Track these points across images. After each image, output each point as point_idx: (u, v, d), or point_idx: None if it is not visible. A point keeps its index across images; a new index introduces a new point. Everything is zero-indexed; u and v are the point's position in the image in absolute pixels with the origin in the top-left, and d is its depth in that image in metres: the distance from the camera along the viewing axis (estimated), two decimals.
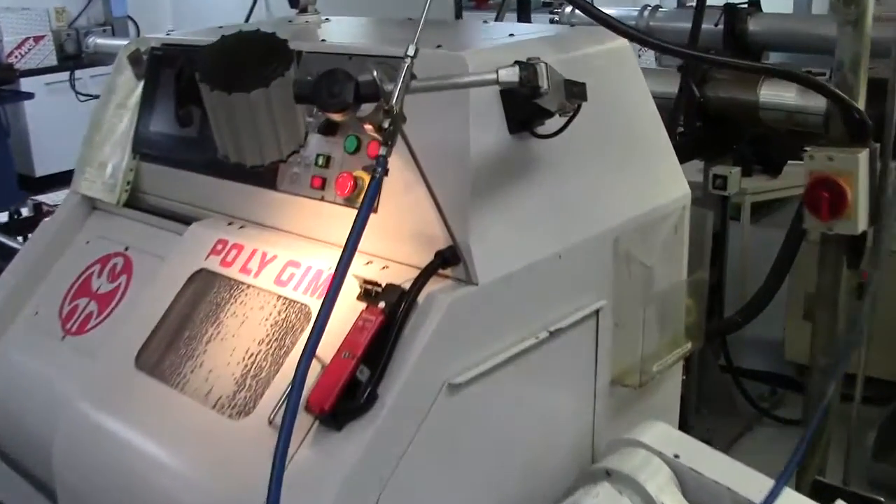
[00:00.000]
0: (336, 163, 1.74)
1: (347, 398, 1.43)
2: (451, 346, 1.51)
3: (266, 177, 1.83)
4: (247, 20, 3.16)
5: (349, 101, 1.28)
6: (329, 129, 1.71)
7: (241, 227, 1.92)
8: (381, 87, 1.28)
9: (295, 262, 1.73)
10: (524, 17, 4.57)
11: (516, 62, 1.42)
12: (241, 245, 1.83)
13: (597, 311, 1.79)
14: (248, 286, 1.77)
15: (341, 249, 1.70)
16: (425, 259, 1.58)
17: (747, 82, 3.09)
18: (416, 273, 1.58)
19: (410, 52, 1.29)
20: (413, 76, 1.29)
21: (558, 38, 1.84)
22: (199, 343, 1.75)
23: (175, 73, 1.64)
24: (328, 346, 1.45)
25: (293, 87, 1.31)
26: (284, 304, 1.69)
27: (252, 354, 1.66)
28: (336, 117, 1.32)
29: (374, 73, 1.29)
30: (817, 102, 2.90)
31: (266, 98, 1.30)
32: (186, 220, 2.04)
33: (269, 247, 1.80)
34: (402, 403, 1.45)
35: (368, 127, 1.27)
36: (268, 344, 1.65)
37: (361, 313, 1.48)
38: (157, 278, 1.91)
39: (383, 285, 1.53)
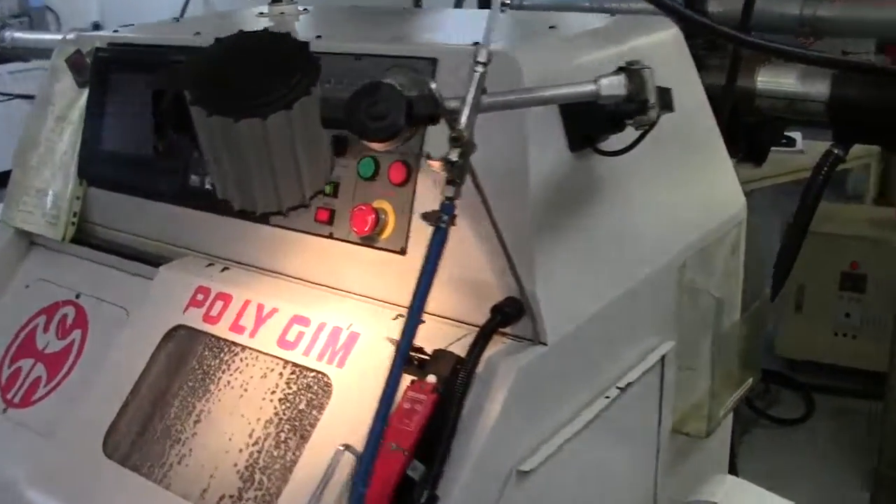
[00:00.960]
0: (347, 191, 1.40)
1: (399, 502, 1.11)
2: (520, 423, 1.20)
3: None
4: (182, 14, 2.76)
5: (400, 126, 0.94)
6: (338, 147, 1.37)
7: (223, 270, 1.57)
8: (443, 106, 0.95)
9: (303, 318, 1.38)
10: None
11: (620, 68, 1.10)
12: (229, 295, 1.48)
13: (663, 355, 1.50)
14: (244, 348, 1.42)
15: (357, 299, 1.40)
16: (471, 310, 1.27)
17: (743, 68, 2.84)
18: (460, 330, 1.27)
19: (482, 57, 0.95)
20: (484, 90, 0.97)
21: (605, 31, 1.53)
22: (185, 423, 1.40)
23: (152, 90, 1.26)
24: (355, 424, 1.15)
25: (321, 108, 0.96)
26: (294, 372, 1.35)
27: (258, 440, 1.32)
28: (379, 146, 0.98)
29: (432, 86, 0.95)
30: (819, 89, 2.68)
31: (287, 124, 0.95)
32: (150, 259, 1.68)
33: (265, 297, 1.45)
34: (465, 503, 1.14)
35: (436, 164, 0.93)
36: (277, 425, 1.31)
37: (407, 391, 1.16)
38: (124, 337, 1.55)
39: (430, 352, 1.21)
